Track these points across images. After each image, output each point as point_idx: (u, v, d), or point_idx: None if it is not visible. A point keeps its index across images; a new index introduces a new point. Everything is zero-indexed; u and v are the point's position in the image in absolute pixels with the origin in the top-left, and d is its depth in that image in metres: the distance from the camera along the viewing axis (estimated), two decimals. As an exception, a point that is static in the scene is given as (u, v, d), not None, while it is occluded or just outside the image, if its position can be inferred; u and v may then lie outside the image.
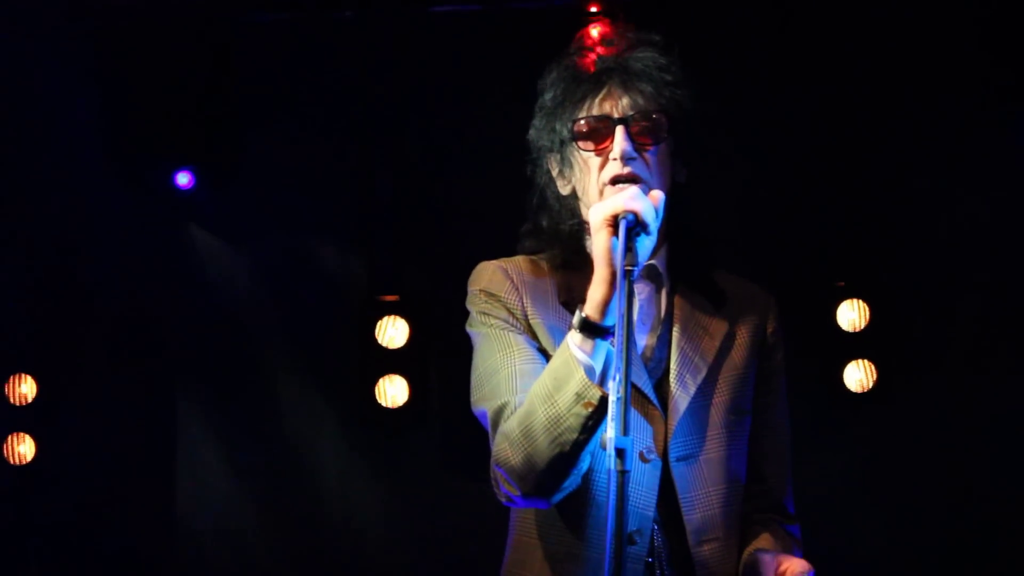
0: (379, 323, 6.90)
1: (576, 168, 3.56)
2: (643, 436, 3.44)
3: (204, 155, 6.96)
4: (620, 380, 2.94)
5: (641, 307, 3.56)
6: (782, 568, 3.38)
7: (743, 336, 3.64)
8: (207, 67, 6.85)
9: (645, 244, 3.25)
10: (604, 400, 3.17)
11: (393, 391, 6.88)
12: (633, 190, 3.31)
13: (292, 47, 7.13)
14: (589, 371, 3.24)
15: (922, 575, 6.80)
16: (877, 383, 6.73)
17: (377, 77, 7.01)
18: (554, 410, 3.24)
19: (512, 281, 3.57)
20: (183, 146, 6.90)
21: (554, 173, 3.63)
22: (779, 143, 6.92)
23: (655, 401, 3.49)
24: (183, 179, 6.94)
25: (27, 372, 7.03)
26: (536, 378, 3.36)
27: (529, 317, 3.53)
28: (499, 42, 6.90)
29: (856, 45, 6.79)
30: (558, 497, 3.36)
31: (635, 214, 3.22)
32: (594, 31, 3.69)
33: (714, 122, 3.72)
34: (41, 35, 6.94)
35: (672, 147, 3.55)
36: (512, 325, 3.53)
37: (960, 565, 6.80)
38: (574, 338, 3.27)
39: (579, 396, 3.21)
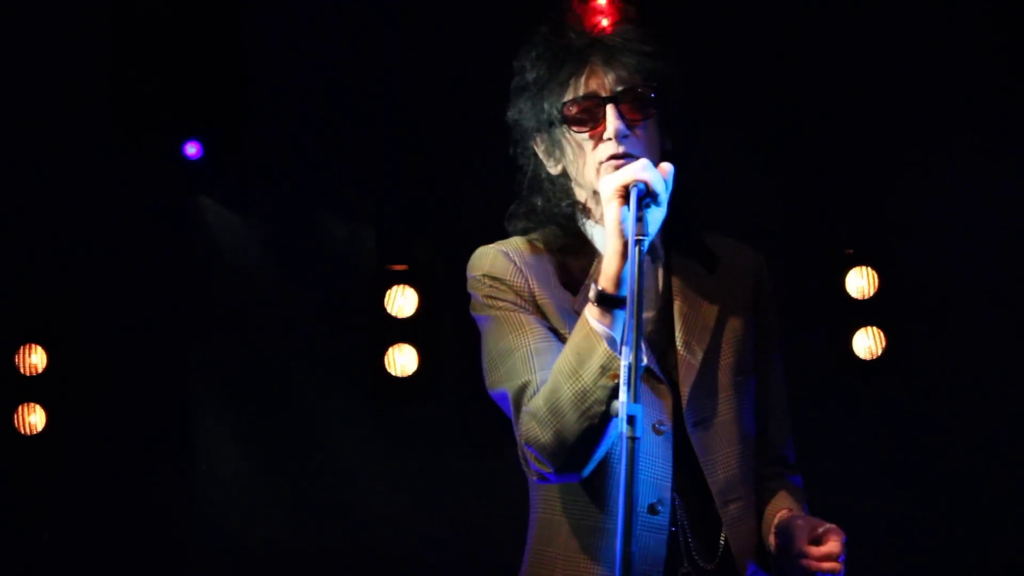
0: (388, 292, 6.91)
1: (568, 150, 3.56)
2: (653, 409, 3.46)
3: (212, 125, 6.95)
4: (631, 347, 2.96)
5: None
6: (819, 533, 3.42)
7: (740, 297, 3.67)
8: (216, 36, 6.83)
9: (655, 215, 3.26)
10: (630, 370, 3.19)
11: (403, 360, 6.90)
12: (643, 161, 3.31)
13: (301, 16, 7.12)
14: (611, 343, 3.25)
15: (930, 540, 6.81)
16: (886, 350, 6.75)
17: (386, 46, 7.00)
18: (580, 384, 3.26)
19: (515, 264, 3.56)
20: (191, 116, 6.90)
21: (540, 153, 3.64)
22: (786, 109, 6.91)
23: (659, 374, 3.51)
24: (191, 149, 6.94)
25: (37, 343, 7.05)
26: (552, 356, 3.39)
27: (537, 297, 3.54)
28: (511, 9, 6.88)
29: (862, 9, 6.78)
30: (589, 469, 3.38)
31: (645, 184, 3.23)
32: (570, 6, 3.67)
33: (699, 88, 3.73)
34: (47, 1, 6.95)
35: (658, 118, 3.56)
36: (521, 306, 3.53)
37: (969, 531, 6.82)
38: (592, 312, 3.29)
39: (604, 368, 3.23)
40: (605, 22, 3.57)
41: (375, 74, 7.05)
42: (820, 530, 3.42)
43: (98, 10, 6.77)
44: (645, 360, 3.05)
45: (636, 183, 3.23)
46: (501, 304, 3.55)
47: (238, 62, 6.90)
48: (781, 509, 3.60)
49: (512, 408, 3.46)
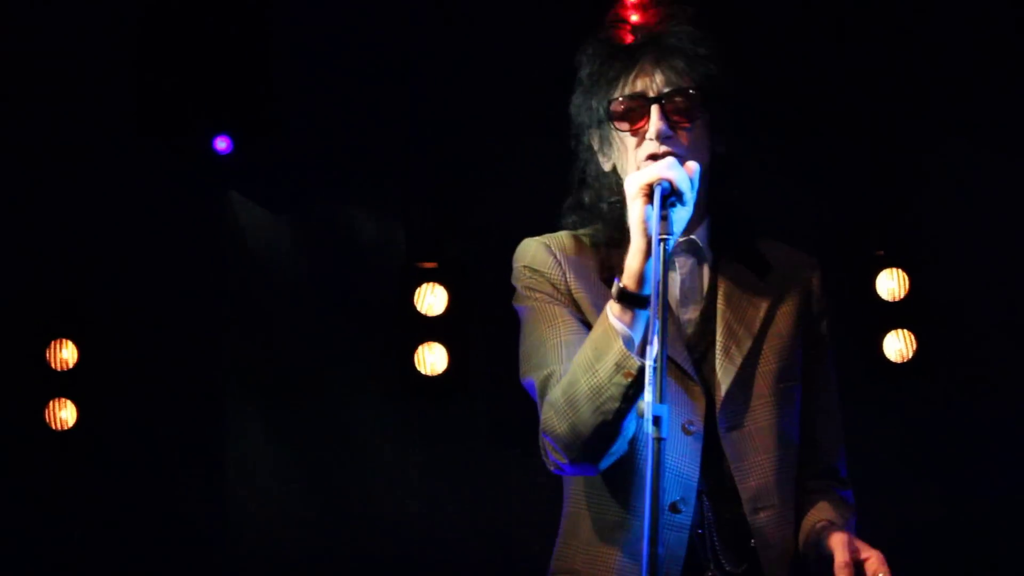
0: (418, 290, 6.90)
1: (615, 146, 3.58)
2: (684, 409, 3.46)
3: (242, 120, 6.96)
4: (655, 348, 2.96)
5: (684, 282, 3.59)
6: (860, 554, 3.33)
7: (789, 304, 3.66)
8: (244, 30, 6.84)
9: (680, 214, 3.27)
10: (644, 370, 3.18)
11: (432, 358, 6.89)
12: (669, 160, 3.32)
13: (331, 9, 7.13)
14: (628, 342, 3.26)
15: (961, 543, 6.79)
16: (917, 353, 6.72)
17: (417, 41, 7.00)
18: (595, 380, 3.28)
19: (555, 257, 3.60)
20: (221, 111, 6.91)
21: (595, 149, 3.66)
22: (819, 111, 6.90)
23: (694, 375, 3.51)
24: (221, 144, 6.96)
25: (68, 338, 7.07)
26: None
27: (572, 291, 3.57)
28: (543, 4, 6.88)
29: (899, 8, 6.76)
30: (606, 463, 3.40)
31: (669, 182, 3.23)
32: (628, 3, 3.68)
33: (750, 94, 3.72)
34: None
35: (708, 121, 3.55)
36: (556, 299, 3.57)
37: (1000, 534, 6.79)
38: (613, 309, 3.30)
39: (619, 366, 3.25)
40: (660, 21, 3.57)
41: (404, 70, 7.05)
42: (860, 550, 3.33)
43: (127, 5, 6.79)
44: (659, 356, 3.03)
45: (660, 181, 3.23)
46: (538, 295, 3.59)
47: (267, 57, 6.92)
48: (821, 520, 3.56)
49: (537, 397, 3.51)
